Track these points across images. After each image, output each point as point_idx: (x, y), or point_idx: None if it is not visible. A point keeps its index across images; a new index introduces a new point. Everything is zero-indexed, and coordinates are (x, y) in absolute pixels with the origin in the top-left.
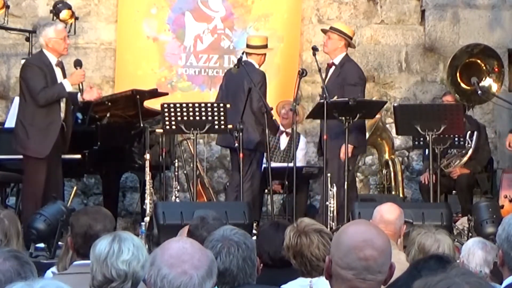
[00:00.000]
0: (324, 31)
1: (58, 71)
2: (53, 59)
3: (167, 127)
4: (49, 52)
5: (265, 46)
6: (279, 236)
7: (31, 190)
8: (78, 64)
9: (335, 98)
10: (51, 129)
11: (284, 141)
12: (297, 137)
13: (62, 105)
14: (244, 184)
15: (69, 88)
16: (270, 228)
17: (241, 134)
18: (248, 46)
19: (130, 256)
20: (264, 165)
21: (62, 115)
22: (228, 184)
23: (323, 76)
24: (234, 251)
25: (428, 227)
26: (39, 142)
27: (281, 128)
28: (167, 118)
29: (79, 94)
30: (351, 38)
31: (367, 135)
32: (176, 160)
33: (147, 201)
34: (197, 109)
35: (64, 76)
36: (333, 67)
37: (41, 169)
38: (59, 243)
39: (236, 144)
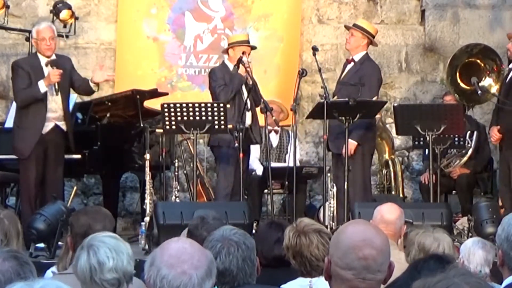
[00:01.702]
0: (347, 28)
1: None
2: (42, 59)
3: (167, 127)
4: (39, 52)
5: (239, 43)
6: (272, 235)
7: (23, 189)
8: (54, 63)
9: (335, 98)
10: (33, 129)
11: (274, 138)
12: (287, 136)
13: (55, 105)
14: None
15: (43, 89)
16: (265, 227)
17: (241, 134)
18: None
19: (112, 263)
20: (262, 165)
21: (53, 114)
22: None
23: (341, 71)
24: (234, 251)
25: (426, 227)
26: (21, 142)
27: (269, 126)
28: (167, 118)
29: (90, 79)
30: (373, 37)
31: None
32: (176, 160)
33: (147, 201)
34: (197, 109)
35: None
36: (352, 64)
37: (30, 169)
38: (59, 243)
39: (236, 144)
